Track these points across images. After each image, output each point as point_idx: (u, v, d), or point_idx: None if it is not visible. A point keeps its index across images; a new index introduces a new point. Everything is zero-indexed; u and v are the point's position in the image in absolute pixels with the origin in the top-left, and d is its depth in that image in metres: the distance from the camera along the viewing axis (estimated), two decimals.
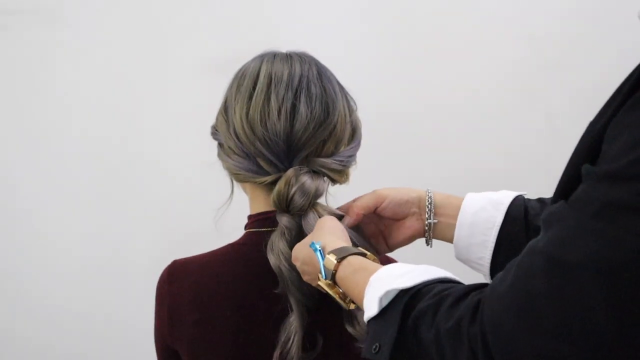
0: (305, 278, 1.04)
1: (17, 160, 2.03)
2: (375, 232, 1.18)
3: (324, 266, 0.98)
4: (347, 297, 0.98)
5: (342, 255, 0.97)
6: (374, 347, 0.86)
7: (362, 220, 1.14)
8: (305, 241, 1.04)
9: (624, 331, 0.69)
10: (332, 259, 0.97)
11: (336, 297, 0.98)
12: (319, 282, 0.99)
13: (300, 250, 1.03)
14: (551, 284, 0.71)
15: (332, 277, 0.97)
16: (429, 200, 1.18)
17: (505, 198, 1.18)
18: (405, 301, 0.85)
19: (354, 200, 1.16)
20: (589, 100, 2.18)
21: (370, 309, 0.88)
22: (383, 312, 0.87)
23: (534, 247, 0.75)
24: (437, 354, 0.79)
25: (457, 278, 0.89)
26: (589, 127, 0.80)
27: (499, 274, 0.79)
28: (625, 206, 0.69)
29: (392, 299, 0.86)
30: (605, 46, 2.12)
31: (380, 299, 0.87)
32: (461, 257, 1.20)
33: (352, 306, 0.99)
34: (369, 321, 0.89)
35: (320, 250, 0.99)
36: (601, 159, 0.74)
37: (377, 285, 0.89)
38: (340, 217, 1.11)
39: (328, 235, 1.02)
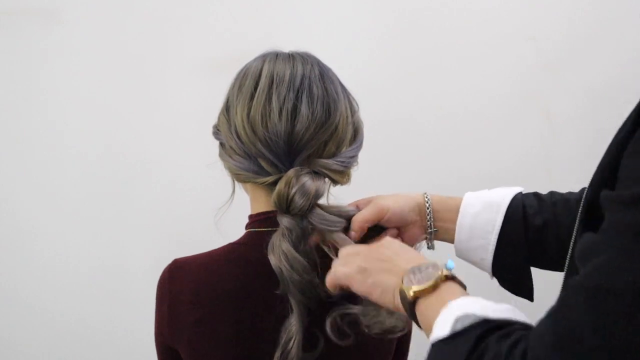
0: (368, 263, 0.96)
1: (16, 160, 2.03)
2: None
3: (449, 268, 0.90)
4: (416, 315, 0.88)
5: (461, 282, 0.90)
6: None
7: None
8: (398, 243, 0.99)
9: None
10: (446, 272, 0.89)
11: (432, 282, 0.88)
12: (443, 269, 0.89)
13: (403, 247, 0.98)
14: (595, 315, 0.68)
15: (434, 286, 0.87)
16: (428, 208, 1.18)
17: (503, 199, 1.17)
18: (481, 332, 0.77)
19: (354, 205, 1.16)
20: (590, 101, 2.20)
21: (442, 328, 0.81)
22: (453, 337, 0.79)
23: (573, 284, 0.71)
24: None
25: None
26: (607, 150, 0.78)
27: (541, 320, 0.74)
28: None
29: (467, 326, 0.78)
30: (606, 47, 2.12)
31: (456, 321, 0.79)
32: (462, 258, 1.20)
33: (415, 295, 0.88)
34: (435, 342, 0.81)
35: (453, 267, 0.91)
36: (622, 182, 0.72)
37: (454, 308, 0.82)
38: (350, 217, 1.11)
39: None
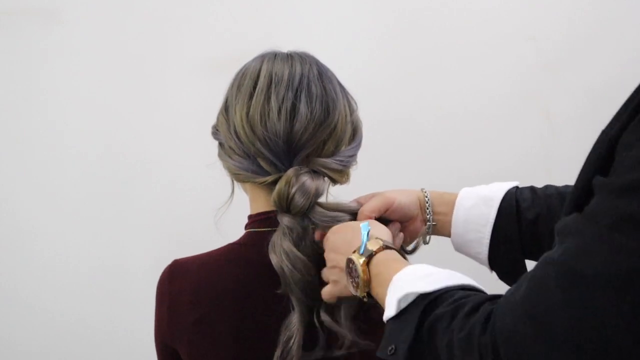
0: (329, 255, 1.04)
1: (16, 160, 2.03)
2: None
3: (366, 245, 0.97)
4: (367, 284, 0.96)
5: (387, 245, 0.97)
6: (390, 348, 0.85)
7: None
8: (351, 223, 1.05)
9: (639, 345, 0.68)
10: (377, 242, 0.97)
11: (362, 276, 0.96)
12: (352, 256, 0.97)
13: (345, 226, 1.05)
14: (566, 295, 0.70)
15: (369, 257, 0.96)
16: (428, 202, 1.19)
17: (496, 193, 1.18)
18: (424, 305, 0.84)
19: (356, 201, 1.16)
20: (590, 101, 2.20)
21: (389, 309, 0.87)
22: (401, 314, 0.86)
23: (548, 259, 0.74)
24: None
25: (481, 287, 0.87)
26: (600, 138, 0.79)
27: (512, 286, 0.78)
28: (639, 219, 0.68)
29: (411, 301, 0.85)
30: (606, 47, 2.12)
31: (399, 301, 0.86)
32: (460, 251, 1.21)
33: (362, 294, 0.97)
34: (387, 321, 0.88)
35: (368, 231, 0.98)
36: (614, 170, 0.73)
37: (398, 285, 0.88)
38: (355, 212, 1.11)
39: (379, 230, 1.03)
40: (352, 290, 0.99)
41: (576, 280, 0.70)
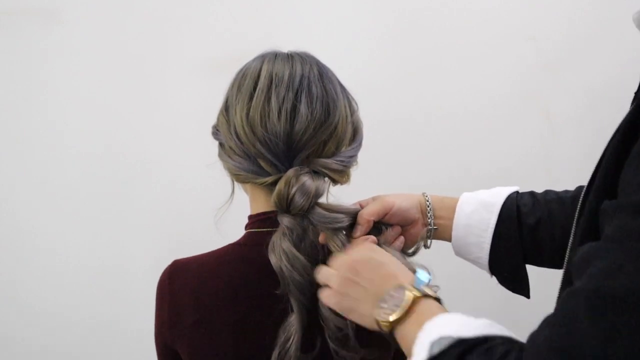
0: (358, 268, 0.97)
1: (16, 160, 2.03)
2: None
3: (423, 283, 0.90)
4: (403, 317, 0.89)
5: (438, 298, 0.90)
6: None
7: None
8: (397, 254, 1.00)
9: None
10: (433, 290, 0.90)
11: (404, 305, 0.89)
12: (404, 284, 0.90)
13: (376, 261, 0.97)
14: (596, 320, 0.65)
15: (423, 295, 0.89)
16: (429, 206, 1.19)
17: (497, 198, 1.19)
18: (459, 352, 0.76)
19: (358, 204, 1.16)
20: (590, 101, 2.20)
21: (420, 353, 0.81)
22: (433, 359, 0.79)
23: (571, 291, 0.69)
24: None
25: (517, 337, 0.79)
26: (599, 162, 0.77)
27: (536, 328, 0.72)
28: None
29: (445, 347, 0.78)
30: (606, 47, 2.12)
31: (432, 344, 0.79)
32: (460, 256, 1.21)
33: (390, 322, 0.89)
34: None
35: (429, 279, 0.92)
36: (624, 191, 0.71)
37: (431, 330, 0.82)
38: (355, 214, 1.11)
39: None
40: (376, 314, 0.91)
41: (606, 302, 0.65)
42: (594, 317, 0.65)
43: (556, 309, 0.70)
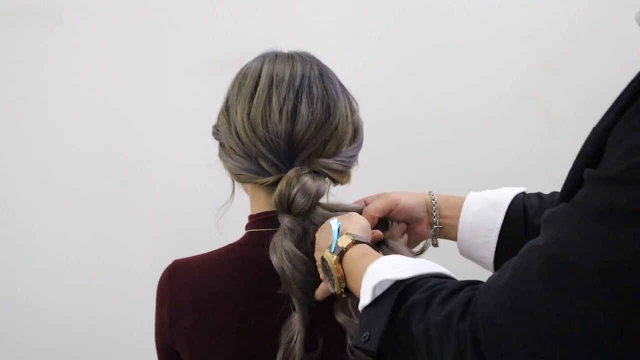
0: (316, 254, 1.04)
1: (16, 160, 2.03)
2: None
3: (337, 242, 0.98)
4: (342, 281, 0.97)
5: (357, 240, 0.98)
6: (363, 335, 0.86)
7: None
8: (329, 220, 1.05)
9: (623, 335, 0.68)
10: (347, 238, 0.98)
11: (335, 274, 0.97)
12: (324, 254, 0.98)
13: (325, 224, 1.05)
14: (549, 283, 0.70)
15: (341, 254, 0.97)
16: (435, 205, 1.19)
17: (504, 198, 1.18)
18: (399, 292, 0.84)
19: (363, 200, 1.16)
20: (590, 101, 2.20)
21: (365, 297, 0.88)
22: (376, 302, 0.86)
23: (532, 246, 0.75)
24: (426, 347, 0.79)
25: (454, 275, 0.88)
26: (592, 132, 0.79)
27: (495, 273, 0.78)
28: (625, 210, 0.69)
29: (386, 289, 0.86)
30: (606, 47, 2.12)
31: (374, 288, 0.87)
32: (465, 255, 1.21)
33: (339, 290, 0.98)
34: (362, 310, 0.89)
35: (338, 227, 0.99)
36: (603, 163, 0.73)
37: (373, 274, 0.88)
38: (356, 212, 1.11)
39: (353, 225, 1.03)
40: (330, 288, 1.00)
41: (559, 267, 0.70)
42: (546, 278, 0.70)
43: (516, 259, 0.75)
